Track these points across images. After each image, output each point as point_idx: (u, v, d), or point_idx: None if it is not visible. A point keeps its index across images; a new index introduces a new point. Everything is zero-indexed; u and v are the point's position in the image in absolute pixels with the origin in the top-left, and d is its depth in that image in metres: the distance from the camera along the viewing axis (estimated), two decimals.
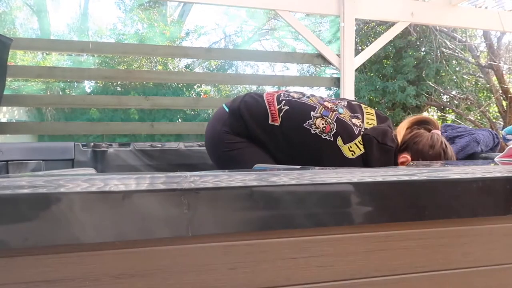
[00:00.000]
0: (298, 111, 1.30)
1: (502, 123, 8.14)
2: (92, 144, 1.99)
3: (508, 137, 1.52)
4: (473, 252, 0.81)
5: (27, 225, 0.58)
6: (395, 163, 1.26)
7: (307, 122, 1.27)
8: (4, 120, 8.37)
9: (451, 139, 1.33)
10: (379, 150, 1.23)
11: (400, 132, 1.31)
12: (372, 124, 1.29)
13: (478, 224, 0.81)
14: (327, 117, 1.27)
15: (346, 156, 1.23)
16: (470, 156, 1.24)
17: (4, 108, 8.26)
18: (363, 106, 1.37)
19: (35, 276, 0.60)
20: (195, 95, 9.20)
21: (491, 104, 9.09)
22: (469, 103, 8.95)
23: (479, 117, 8.96)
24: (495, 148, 1.34)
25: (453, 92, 9.24)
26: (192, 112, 8.63)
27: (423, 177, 0.76)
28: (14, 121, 8.68)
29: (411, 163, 1.24)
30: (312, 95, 1.38)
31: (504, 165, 0.93)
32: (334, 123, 1.26)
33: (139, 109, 7.79)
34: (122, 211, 0.61)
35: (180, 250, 0.66)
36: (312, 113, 1.28)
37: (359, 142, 1.24)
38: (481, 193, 0.79)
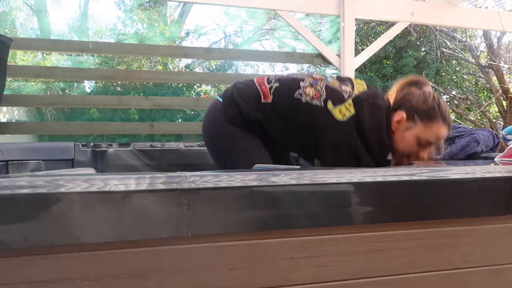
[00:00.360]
0: (287, 84, 1.32)
1: (502, 123, 8.13)
2: (92, 144, 1.99)
3: (508, 137, 1.52)
4: (473, 252, 0.81)
5: (27, 225, 0.58)
6: (388, 124, 1.25)
7: (297, 91, 1.28)
8: (4, 120, 8.36)
9: (451, 139, 1.33)
10: (370, 110, 1.24)
11: (392, 94, 1.34)
12: (362, 90, 1.31)
13: (478, 224, 0.81)
14: (316, 85, 1.29)
15: (337, 119, 1.23)
16: (470, 156, 1.24)
17: (4, 108, 8.26)
18: (352, 78, 1.39)
19: (35, 276, 0.60)
20: (195, 95, 9.19)
21: (491, 104, 9.09)
22: (469, 103, 8.95)
23: (479, 117, 8.95)
24: (495, 148, 1.34)
25: (453, 92, 9.24)
26: (192, 112, 8.62)
27: (423, 177, 0.76)
28: (14, 121, 8.68)
29: (413, 163, 1.24)
30: (301, 73, 1.39)
31: (504, 165, 0.93)
32: (324, 90, 1.27)
33: (139, 109, 7.78)
34: (122, 211, 0.61)
35: (180, 250, 0.66)
36: (301, 83, 1.30)
37: (349, 104, 1.25)
38: (481, 193, 0.79)
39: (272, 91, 1.31)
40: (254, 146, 1.33)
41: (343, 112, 1.23)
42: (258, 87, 1.33)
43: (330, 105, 1.24)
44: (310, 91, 1.28)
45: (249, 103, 1.32)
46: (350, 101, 1.25)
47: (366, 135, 1.22)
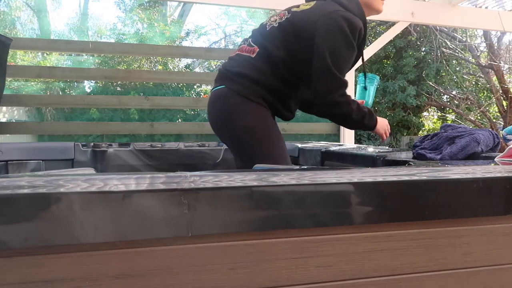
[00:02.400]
0: (256, 30, 1.44)
1: (502, 123, 8.14)
2: (92, 144, 1.99)
3: (508, 137, 1.52)
4: (473, 252, 0.81)
5: (27, 225, 0.58)
6: None
7: (266, 25, 1.40)
8: (4, 120, 8.37)
9: (451, 139, 1.33)
10: None
11: None
12: None
13: (478, 224, 0.81)
14: (280, 12, 1.42)
15: (304, 10, 1.34)
16: (470, 156, 1.24)
17: (4, 108, 8.26)
18: None
19: (35, 276, 0.60)
20: (195, 95, 9.19)
21: (491, 104, 9.09)
22: (469, 103, 8.95)
23: (479, 117, 8.96)
24: (495, 148, 1.33)
25: (453, 92, 9.24)
26: (192, 112, 8.62)
27: (423, 177, 0.76)
28: (14, 121, 8.68)
29: (412, 162, 1.24)
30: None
31: (504, 165, 0.93)
32: (286, 10, 1.39)
33: (139, 109, 7.79)
34: (122, 211, 0.61)
35: (180, 250, 0.66)
36: (267, 19, 1.44)
37: (311, 1, 1.39)
38: (481, 193, 0.79)
39: (252, 43, 1.39)
40: (268, 119, 1.38)
41: (309, 3, 1.37)
42: (240, 53, 1.41)
43: (294, 9, 1.37)
44: (272, 17, 1.40)
45: (246, 67, 1.36)
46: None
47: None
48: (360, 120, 1.41)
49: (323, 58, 1.27)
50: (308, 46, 1.30)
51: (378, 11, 1.44)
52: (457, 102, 9.12)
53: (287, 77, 1.36)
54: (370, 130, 1.49)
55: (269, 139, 1.36)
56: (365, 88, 1.60)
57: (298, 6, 1.39)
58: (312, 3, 1.37)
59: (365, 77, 1.65)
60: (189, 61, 10.50)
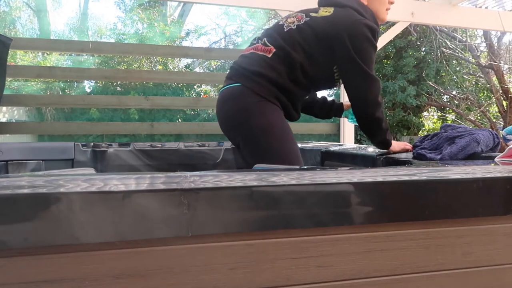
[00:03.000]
0: (273, 30, 1.43)
1: (502, 123, 8.14)
2: (92, 144, 1.99)
3: (508, 137, 1.52)
4: (473, 252, 0.81)
5: (27, 225, 0.58)
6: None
7: (283, 26, 1.39)
8: (4, 120, 8.37)
9: (451, 139, 1.33)
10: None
11: None
12: None
13: (478, 224, 0.81)
14: (296, 14, 1.43)
15: (324, 16, 1.37)
16: (470, 156, 1.24)
17: (4, 108, 8.27)
18: None
19: (35, 276, 0.60)
20: (195, 95, 9.19)
21: (491, 104, 9.09)
22: (469, 103, 8.95)
23: (479, 117, 8.96)
24: (495, 148, 1.33)
25: (453, 92, 9.24)
26: (192, 112, 8.62)
27: (423, 177, 0.76)
28: (14, 121, 8.68)
29: (412, 162, 1.24)
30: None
31: (504, 165, 0.93)
32: (303, 13, 1.41)
33: (139, 109, 7.79)
34: (122, 211, 0.61)
35: (180, 250, 0.66)
36: (280, 22, 1.44)
37: (328, 7, 1.42)
38: (481, 193, 0.79)
39: (268, 43, 1.38)
40: (282, 117, 1.39)
41: (325, 11, 1.39)
42: (255, 51, 1.39)
43: (313, 14, 1.39)
44: (290, 19, 1.41)
45: (263, 66, 1.35)
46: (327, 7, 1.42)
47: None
48: (386, 132, 1.44)
49: (358, 64, 1.32)
50: (327, 50, 1.34)
51: (383, 21, 1.52)
52: (457, 102, 9.13)
53: (300, 79, 1.37)
54: (387, 147, 1.48)
55: (283, 139, 1.36)
56: None
57: (316, 12, 1.40)
58: (331, 10, 1.39)
59: None
60: (189, 61, 10.50)
